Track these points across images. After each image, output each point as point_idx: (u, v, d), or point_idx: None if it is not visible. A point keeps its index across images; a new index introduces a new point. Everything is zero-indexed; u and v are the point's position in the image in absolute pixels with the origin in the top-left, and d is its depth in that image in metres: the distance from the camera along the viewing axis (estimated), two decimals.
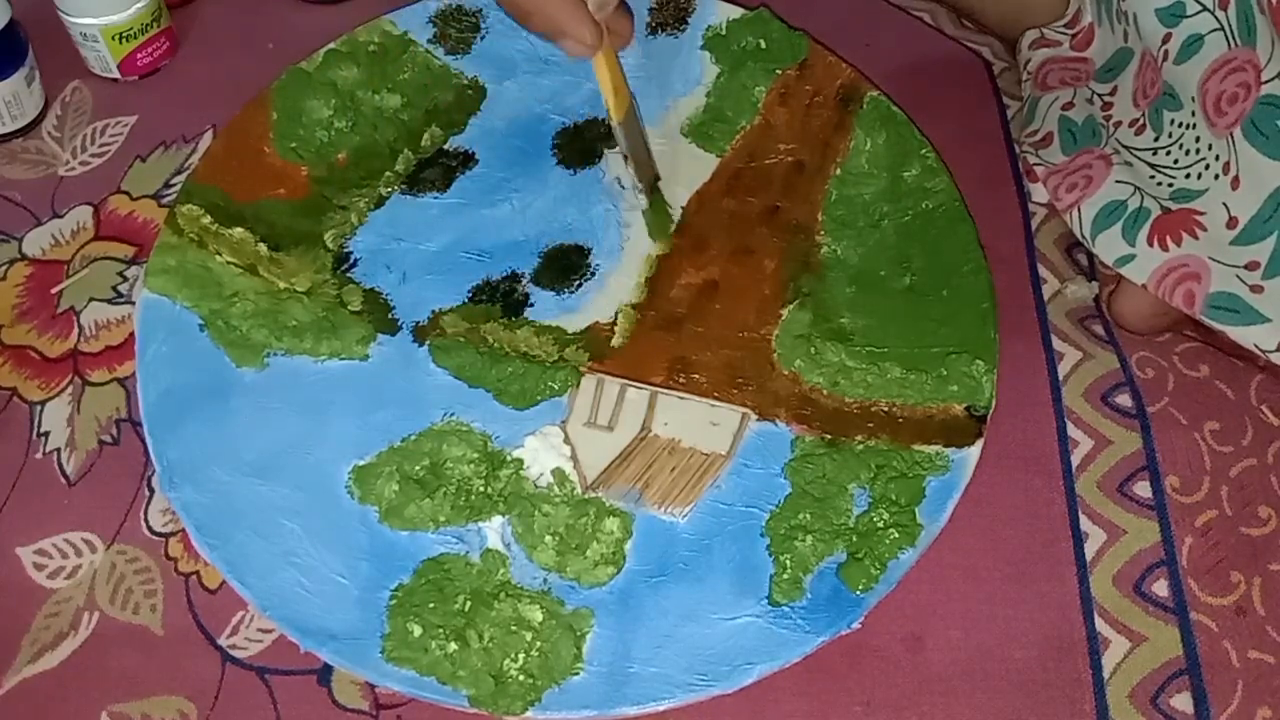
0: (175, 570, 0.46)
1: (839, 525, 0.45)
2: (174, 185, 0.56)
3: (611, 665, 0.42)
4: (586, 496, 0.46)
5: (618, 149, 0.50)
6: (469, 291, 0.51)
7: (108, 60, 0.58)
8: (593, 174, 0.54)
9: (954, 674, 0.44)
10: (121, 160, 0.57)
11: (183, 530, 0.46)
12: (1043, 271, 0.53)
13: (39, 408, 0.50)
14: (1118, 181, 0.49)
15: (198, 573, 0.46)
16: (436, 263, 0.51)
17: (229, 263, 0.50)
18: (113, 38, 0.57)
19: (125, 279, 0.53)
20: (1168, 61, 0.47)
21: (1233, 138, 0.43)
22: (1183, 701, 0.43)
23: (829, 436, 0.47)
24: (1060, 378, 0.50)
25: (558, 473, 0.46)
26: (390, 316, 0.50)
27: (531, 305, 0.50)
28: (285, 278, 0.50)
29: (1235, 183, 0.44)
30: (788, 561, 0.44)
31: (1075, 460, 0.48)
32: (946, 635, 0.44)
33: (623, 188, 0.52)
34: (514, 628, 0.42)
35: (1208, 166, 0.45)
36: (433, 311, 0.50)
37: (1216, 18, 0.45)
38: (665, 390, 0.48)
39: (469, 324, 0.50)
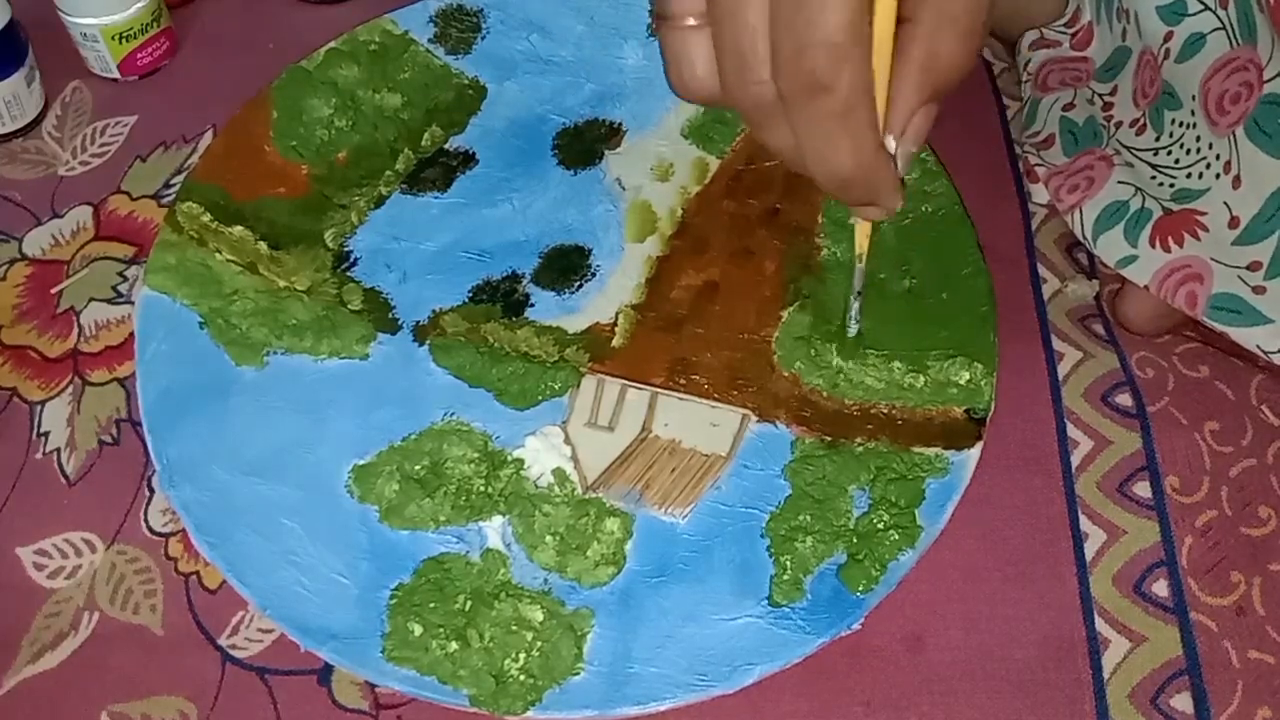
0: (175, 570, 0.46)
1: (839, 526, 0.45)
2: (174, 185, 0.56)
3: (612, 665, 0.42)
4: (587, 497, 0.45)
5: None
6: (469, 291, 0.51)
7: (108, 60, 0.58)
8: (593, 174, 0.54)
9: (954, 674, 0.44)
10: (121, 160, 0.57)
11: (183, 530, 0.46)
12: (1043, 271, 0.53)
13: (39, 408, 0.50)
14: (1119, 182, 0.49)
15: (198, 573, 0.46)
16: (437, 262, 0.51)
17: (229, 261, 0.50)
18: (113, 38, 0.57)
19: (125, 279, 0.53)
20: (1169, 60, 0.47)
21: (1234, 137, 0.43)
22: (1183, 702, 0.43)
23: (829, 438, 0.47)
24: (1060, 378, 0.50)
25: (558, 473, 0.46)
26: (390, 316, 0.50)
27: (532, 305, 0.50)
28: (285, 276, 0.50)
29: (1236, 182, 0.44)
30: (788, 562, 0.44)
31: (1075, 460, 0.48)
32: (946, 635, 0.44)
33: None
34: (514, 627, 0.42)
35: (1209, 166, 0.45)
36: (433, 311, 0.50)
37: (1218, 16, 0.45)
38: (666, 391, 0.48)
39: (469, 324, 0.50)
